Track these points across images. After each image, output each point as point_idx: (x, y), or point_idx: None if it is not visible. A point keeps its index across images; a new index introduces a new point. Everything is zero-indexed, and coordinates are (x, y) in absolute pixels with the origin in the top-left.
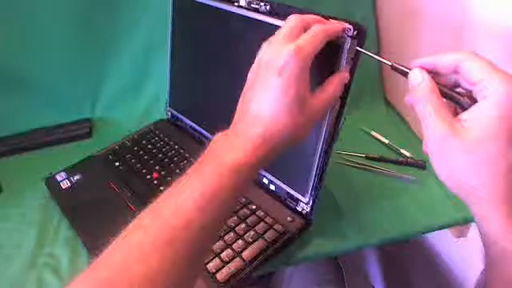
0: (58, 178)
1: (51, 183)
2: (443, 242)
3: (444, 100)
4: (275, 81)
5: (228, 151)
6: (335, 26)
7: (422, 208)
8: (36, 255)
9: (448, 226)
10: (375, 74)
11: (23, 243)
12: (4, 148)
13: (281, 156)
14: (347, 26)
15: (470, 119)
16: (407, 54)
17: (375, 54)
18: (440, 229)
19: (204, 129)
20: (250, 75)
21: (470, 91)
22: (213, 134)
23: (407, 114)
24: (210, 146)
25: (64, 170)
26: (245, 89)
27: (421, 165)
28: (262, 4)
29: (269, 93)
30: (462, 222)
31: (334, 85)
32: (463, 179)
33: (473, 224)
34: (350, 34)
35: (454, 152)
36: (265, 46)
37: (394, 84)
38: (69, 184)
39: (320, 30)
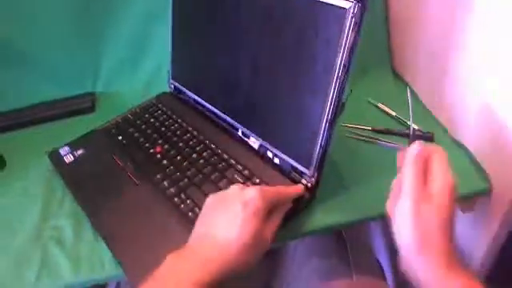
0: (62, 152)
1: (54, 157)
2: None
3: None
4: (238, 212)
5: (185, 271)
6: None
7: None
8: (41, 228)
9: None
10: (383, 44)
11: (28, 216)
12: (8, 122)
13: (285, 129)
14: None
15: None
16: (415, 21)
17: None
18: None
19: (207, 101)
20: (209, 203)
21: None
22: (216, 107)
23: (415, 85)
24: (166, 264)
25: (67, 144)
26: (203, 214)
27: (428, 137)
28: None
29: (230, 221)
30: (468, 196)
31: (277, 217)
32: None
33: (479, 198)
34: None
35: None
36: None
37: (403, 55)
38: (72, 158)
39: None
